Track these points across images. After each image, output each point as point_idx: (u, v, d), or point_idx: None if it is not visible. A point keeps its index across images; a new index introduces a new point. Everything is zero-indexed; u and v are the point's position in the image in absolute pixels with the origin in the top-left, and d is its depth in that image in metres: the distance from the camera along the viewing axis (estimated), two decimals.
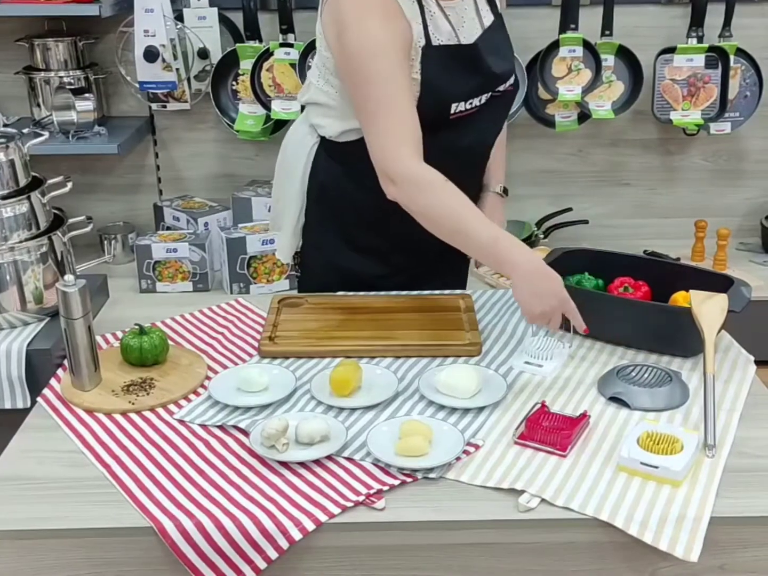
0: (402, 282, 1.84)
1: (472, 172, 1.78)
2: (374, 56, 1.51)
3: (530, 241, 2.92)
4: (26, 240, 1.70)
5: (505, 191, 1.84)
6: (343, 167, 1.71)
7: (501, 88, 1.69)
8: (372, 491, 1.20)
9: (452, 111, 1.61)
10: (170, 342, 1.61)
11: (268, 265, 2.41)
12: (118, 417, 1.41)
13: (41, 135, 1.86)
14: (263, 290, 2.38)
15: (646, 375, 1.47)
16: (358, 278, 1.81)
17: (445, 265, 1.86)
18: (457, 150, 1.68)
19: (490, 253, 1.50)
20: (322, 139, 1.72)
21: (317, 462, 1.27)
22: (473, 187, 1.77)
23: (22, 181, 1.73)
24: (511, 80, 1.71)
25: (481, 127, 1.71)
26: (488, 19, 1.68)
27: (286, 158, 1.81)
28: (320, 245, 1.81)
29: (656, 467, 1.22)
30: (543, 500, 1.18)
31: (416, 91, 1.57)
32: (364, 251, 1.79)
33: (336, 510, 1.17)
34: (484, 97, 1.65)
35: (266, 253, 2.37)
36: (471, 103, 1.63)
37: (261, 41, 2.73)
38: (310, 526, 1.15)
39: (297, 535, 1.15)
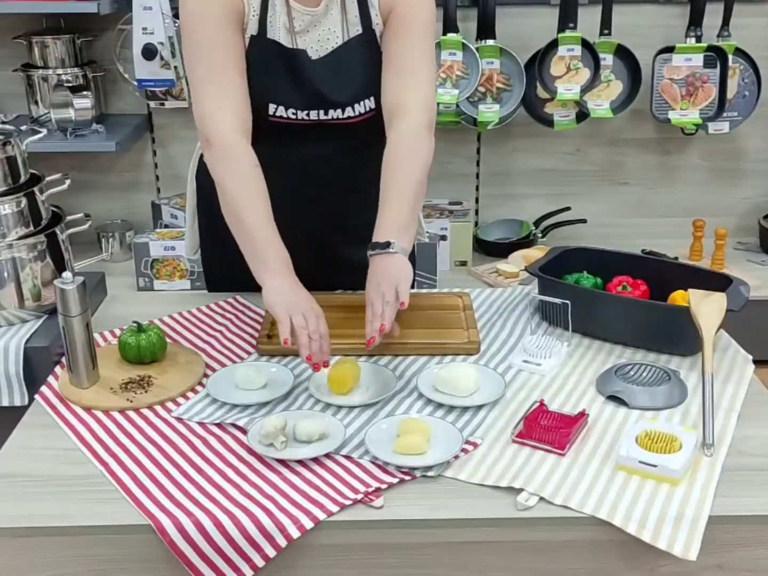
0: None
1: (314, 196, 1.68)
2: (199, 19, 1.51)
3: (529, 240, 2.93)
4: (24, 237, 1.69)
5: (389, 245, 1.48)
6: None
7: (337, 114, 1.59)
8: (370, 489, 1.20)
9: (271, 112, 1.58)
10: (168, 340, 1.60)
11: None
12: (116, 414, 1.41)
13: (39, 132, 1.86)
14: None
15: (644, 374, 1.47)
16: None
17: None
18: (289, 164, 1.63)
19: (254, 248, 1.48)
20: None
21: (315, 460, 1.27)
22: (335, 212, 1.70)
23: (21, 178, 1.73)
24: (361, 109, 1.60)
25: (320, 149, 1.62)
26: (354, 31, 1.59)
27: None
28: (207, 242, 1.83)
29: (655, 466, 1.22)
30: (541, 498, 1.18)
31: None
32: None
33: (334, 508, 1.17)
34: (313, 114, 1.59)
35: None
36: (295, 114, 1.58)
37: None
38: (308, 524, 1.15)
39: (295, 533, 1.14)
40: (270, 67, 1.57)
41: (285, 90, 1.58)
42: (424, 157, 1.56)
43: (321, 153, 1.64)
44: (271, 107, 1.58)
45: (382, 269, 1.47)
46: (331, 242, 1.76)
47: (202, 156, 1.71)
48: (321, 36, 1.59)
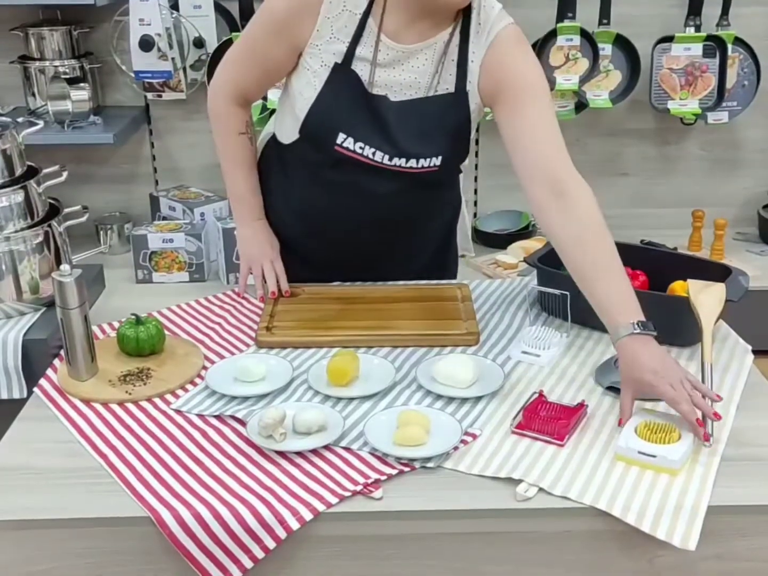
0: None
1: (373, 225, 1.70)
2: (258, 17, 1.60)
3: (528, 231, 2.92)
4: (22, 230, 1.69)
5: (647, 327, 1.34)
6: (278, 166, 1.76)
7: (401, 163, 1.58)
8: (369, 481, 1.20)
9: (339, 141, 1.56)
10: (167, 332, 1.60)
11: None
12: (115, 407, 1.41)
13: (36, 124, 1.85)
14: None
15: None
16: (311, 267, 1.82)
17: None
18: (345, 191, 1.64)
19: (235, 204, 1.79)
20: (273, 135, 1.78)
21: (315, 452, 1.27)
22: (375, 249, 1.75)
23: (18, 171, 1.72)
24: (425, 163, 1.58)
25: (376, 188, 1.63)
26: (444, 89, 1.57)
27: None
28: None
29: (654, 456, 1.22)
30: (540, 489, 1.18)
31: (310, 99, 1.56)
32: (301, 252, 1.80)
33: (333, 500, 1.17)
34: (378, 155, 1.57)
35: None
36: (362, 148, 1.57)
37: None
38: (307, 515, 1.15)
39: (294, 525, 1.14)
40: (348, 97, 1.56)
41: (358, 122, 1.57)
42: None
43: (376, 192, 1.64)
44: (340, 136, 1.57)
45: (661, 362, 1.30)
46: (368, 254, 1.78)
47: (266, 146, 1.80)
48: (404, 81, 1.56)
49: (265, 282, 1.76)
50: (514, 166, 1.55)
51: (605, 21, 2.77)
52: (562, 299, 1.59)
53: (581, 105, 2.84)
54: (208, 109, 1.75)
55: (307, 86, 1.57)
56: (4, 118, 1.81)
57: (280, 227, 1.80)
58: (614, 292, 1.38)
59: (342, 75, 1.55)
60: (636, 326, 1.32)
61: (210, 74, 2.74)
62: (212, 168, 2.94)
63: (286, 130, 1.68)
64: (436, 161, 1.59)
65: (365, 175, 1.61)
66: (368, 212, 1.68)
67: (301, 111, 1.58)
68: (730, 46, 2.77)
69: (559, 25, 2.73)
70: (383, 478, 1.21)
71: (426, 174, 1.61)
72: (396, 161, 1.58)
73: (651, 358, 1.30)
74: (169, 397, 1.43)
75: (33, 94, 2.76)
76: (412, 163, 1.58)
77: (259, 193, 1.78)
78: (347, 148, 1.58)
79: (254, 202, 1.77)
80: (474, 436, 1.30)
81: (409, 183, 1.63)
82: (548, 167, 1.50)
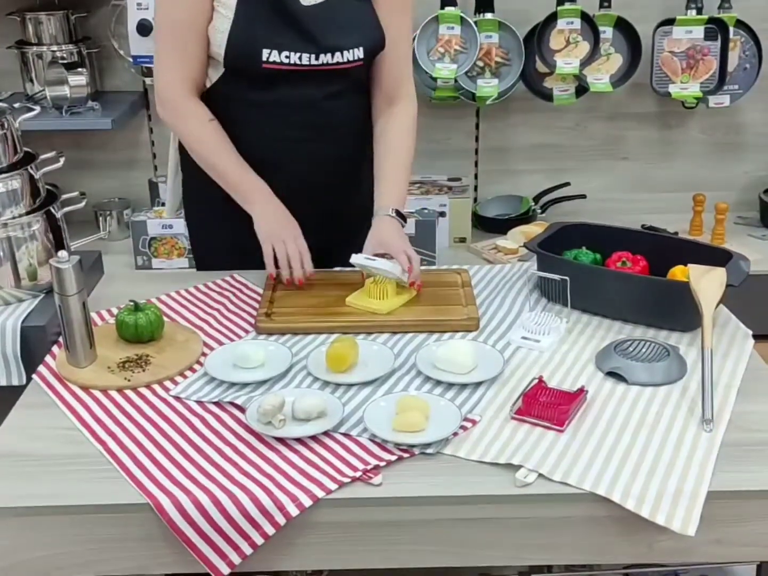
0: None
1: (301, 138, 1.74)
2: None
3: (528, 216, 2.91)
4: (20, 216, 1.68)
5: (401, 216, 1.74)
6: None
7: (327, 59, 1.67)
8: (369, 467, 1.20)
9: (264, 57, 1.63)
10: (166, 318, 1.60)
11: None
12: (114, 394, 1.41)
13: (33, 110, 1.84)
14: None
15: (643, 350, 1.47)
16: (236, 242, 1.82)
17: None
18: (279, 108, 1.71)
19: (237, 190, 1.73)
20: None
21: (314, 438, 1.26)
22: (322, 155, 1.76)
23: (15, 157, 1.72)
24: (350, 56, 1.68)
25: (309, 94, 1.70)
26: None
27: None
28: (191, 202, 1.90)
29: (374, 259, 1.64)
30: (540, 475, 1.18)
31: (226, 30, 1.63)
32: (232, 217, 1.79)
33: (333, 486, 1.17)
34: (305, 57, 1.65)
35: None
36: (287, 57, 1.64)
37: None
38: (307, 501, 1.15)
39: (294, 511, 1.14)
40: (262, 14, 1.63)
41: (277, 33, 1.64)
42: (414, 142, 1.84)
43: (309, 98, 1.71)
44: (265, 52, 1.63)
45: (397, 233, 1.72)
46: (317, 186, 1.80)
47: None
48: None
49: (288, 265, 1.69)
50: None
51: (606, 4, 2.75)
52: (562, 284, 1.58)
53: (582, 89, 2.83)
54: (163, 118, 1.75)
55: (221, 20, 1.64)
56: (1, 104, 1.80)
57: None
58: (391, 184, 1.76)
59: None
60: (392, 212, 1.72)
61: None
62: None
63: (210, 74, 1.73)
64: (359, 53, 1.70)
65: (297, 87, 1.69)
66: (305, 130, 1.73)
67: (220, 46, 1.65)
68: (731, 29, 2.74)
69: (560, 8, 2.70)
70: (382, 464, 1.21)
71: (354, 70, 1.72)
72: (322, 58, 1.67)
73: (391, 230, 1.71)
74: (168, 383, 1.43)
75: (30, 80, 2.75)
76: (338, 57, 1.68)
77: (253, 171, 1.73)
78: (274, 62, 1.64)
79: (255, 179, 1.72)
80: (473, 422, 1.30)
81: (340, 85, 1.72)
82: (392, 76, 1.79)
